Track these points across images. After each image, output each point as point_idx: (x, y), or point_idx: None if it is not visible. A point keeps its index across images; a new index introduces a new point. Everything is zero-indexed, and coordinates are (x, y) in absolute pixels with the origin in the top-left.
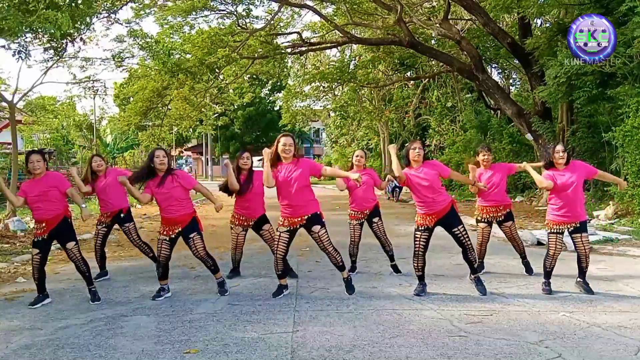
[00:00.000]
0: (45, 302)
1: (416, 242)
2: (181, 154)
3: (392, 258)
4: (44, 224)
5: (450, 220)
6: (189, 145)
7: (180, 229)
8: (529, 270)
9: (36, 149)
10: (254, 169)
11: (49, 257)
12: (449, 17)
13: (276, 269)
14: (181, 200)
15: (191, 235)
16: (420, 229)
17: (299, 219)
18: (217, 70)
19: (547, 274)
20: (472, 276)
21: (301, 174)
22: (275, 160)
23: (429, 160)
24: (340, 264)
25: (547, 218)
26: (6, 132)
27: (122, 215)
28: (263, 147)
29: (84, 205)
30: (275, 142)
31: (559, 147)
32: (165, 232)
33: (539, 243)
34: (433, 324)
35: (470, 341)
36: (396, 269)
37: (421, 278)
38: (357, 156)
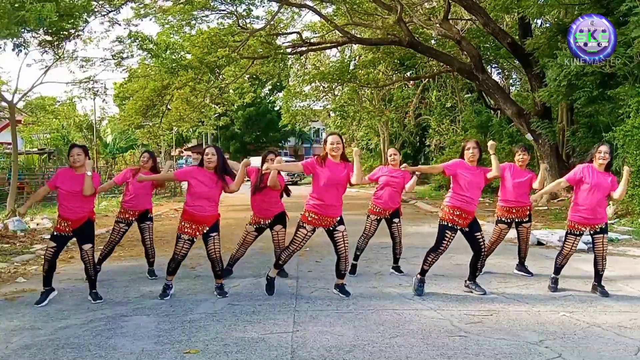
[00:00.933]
0: (51, 296)
1: (444, 241)
2: (181, 154)
3: (396, 260)
4: (69, 223)
5: (474, 224)
6: (189, 145)
7: (205, 229)
8: (528, 273)
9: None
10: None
11: None
12: (449, 17)
13: (282, 260)
14: (217, 202)
15: (212, 235)
16: (453, 227)
17: (331, 220)
18: (217, 70)
19: (557, 270)
20: (468, 282)
21: (346, 176)
22: (323, 158)
23: (480, 167)
24: (345, 272)
25: (570, 218)
26: (6, 132)
27: (149, 215)
28: (263, 147)
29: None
30: (323, 141)
31: (604, 147)
32: (189, 232)
33: (539, 243)
34: (433, 324)
35: (470, 341)
36: (398, 270)
37: (424, 273)
38: (390, 155)
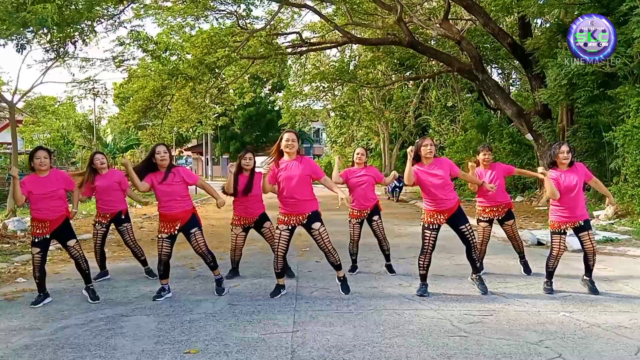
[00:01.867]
0: (46, 302)
1: (425, 241)
2: (181, 154)
3: (387, 258)
4: (47, 223)
5: (457, 219)
6: (189, 145)
7: (180, 226)
8: (527, 270)
9: (42, 145)
10: (256, 170)
11: (49, 257)
12: (449, 17)
13: (275, 267)
14: (182, 197)
15: (192, 231)
16: (429, 227)
17: (299, 217)
18: (217, 70)
19: (549, 274)
20: (474, 275)
21: (303, 171)
22: (279, 156)
23: (439, 158)
24: (338, 263)
25: (550, 219)
26: (6, 132)
27: (122, 216)
28: (263, 147)
29: (75, 210)
30: (279, 138)
31: (564, 147)
32: (165, 230)
33: (539, 243)
34: (433, 324)
35: (470, 341)
36: (390, 269)
37: (424, 277)
38: (357, 154)
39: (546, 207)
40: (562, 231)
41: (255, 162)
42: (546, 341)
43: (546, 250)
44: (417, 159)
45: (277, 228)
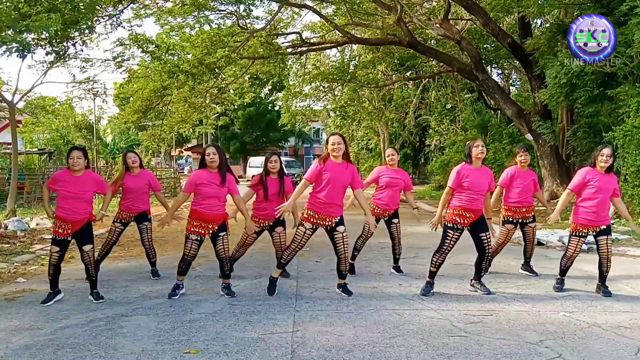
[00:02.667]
0: (57, 299)
1: (447, 241)
2: (181, 154)
3: (396, 261)
4: (70, 225)
5: (480, 224)
6: (189, 145)
7: (214, 228)
8: (533, 272)
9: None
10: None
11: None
12: (449, 17)
13: (285, 259)
14: (225, 200)
15: (221, 234)
16: (454, 227)
17: (329, 219)
18: (217, 70)
19: (562, 272)
20: (474, 282)
21: (347, 177)
22: (324, 158)
23: (486, 166)
24: (345, 272)
25: (573, 220)
26: (6, 132)
27: (148, 215)
28: (263, 147)
29: (104, 212)
30: (325, 141)
31: (606, 151)
32: (198, 231)
33: (539, 243)
34: (433, 324)
35: (470, 341)
36: (398, 270)
37: (433, 275)
38: (389, 155)
39: (545, 207)
40: (583, 234)
41: (282, 163)
42: (546, 341)
43: (546, 250)
44: (470, 160)
45: (301, 224)
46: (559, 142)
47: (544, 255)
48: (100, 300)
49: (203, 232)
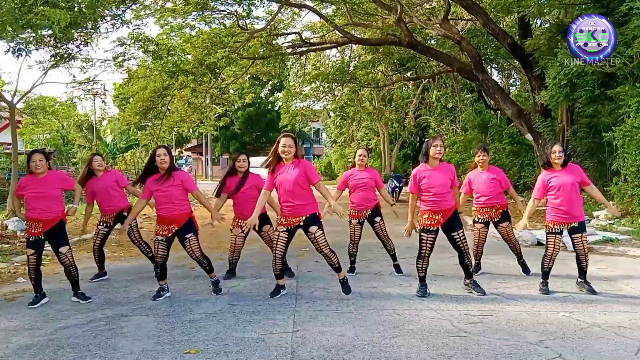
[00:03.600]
0: (43, 302)
1: (422, 244)
2: (181, 154)
3: (394, 257)
4: (40, 224)
5: (452, 223)
6: (189, 145)
7: (176, 229)
8: (526, 270)
9: (38, 148)
10: (251, 170)
11: (49, 258)
12: (449, 17)
13: (274, 269)
14: (179, 200)
15: (187, 236)
16: (426, 230)
17: (297, 219)
18: (217, 71)
19: (545, 274)
20: (467, 280)
21: (299, 174)
22: (276, 160)
23: (445, 163)
24: (337, 265)
25: (546, 219)
26: (6, 132)
27: (124, 214)
28: (263, 147)
29: (76, 206)
30: (276, 142)
31: (556, 147)
32: (161, 233)
33: (539, 243)
34: (433, 324)
35: (470, 341)
36: (398, 269)
37: (423, 279)
38: (359, 155)
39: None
40: (558, 231)
41: (249, 164)
42: (546, 341)
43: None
44: (426, 159)
45: (276, 230)
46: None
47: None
48: (89, 300)
49: (166, 233)
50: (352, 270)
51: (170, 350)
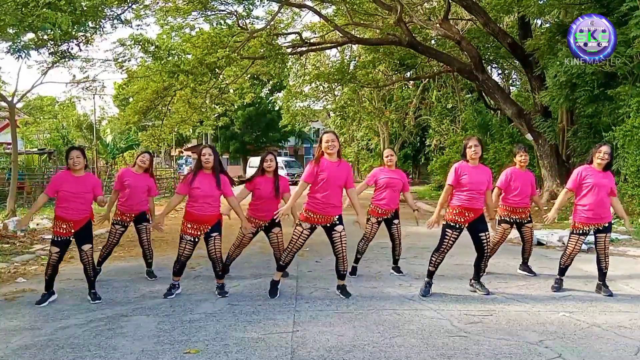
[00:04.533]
0: (52, 299)
1: (445, 239)
2: (181, 154)
3: (396, 261)
4: (71, 224)
5: (480, 224)
6: (189, 145)
7: (207, 229)
8: (531, 272)
9: (76, 145)
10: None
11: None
12: (449, 17)
13: (284, 261)
14: (216, 201)
15: (213, 235)
16: (453, 226)
17: (328, 218)
18: (217, 71)
19: (562, 271)
20: (473, 281)
21: (342, 175)
22: (320, 157)
23: (484, 165)
24: (345, 272)
25: (574, 219)
26: (6, 132)
27: (147, 216)
28: (263, 147)
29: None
30: (319, 139)
31: (605, 148)
32: (192, 232)
33: (539, 243)
34: (433, 324)
35: (470, 341)
36: (398, 270)
37: (431, 275)
38: (387, 155)
39: (546, 207)
40: (584, 232)
41: (277, 164)
42: (546, 341)
43: (546, 250)
44: (465, 159)
45: (299, 225)
46: (559, 142)
47: (544, 255)
48: (98, 301)
49: (197, 233)
50: (354, 272)
51: (170, 350)
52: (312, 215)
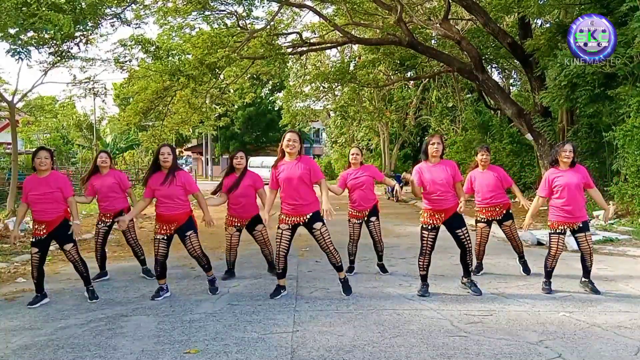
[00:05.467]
0: (43, 302)
1: (423, 241)
2: (181, 154)
3: (380, 257)
4: (44, 225)
5: (455, 221)
6: (189, 145)
7: (175, 227)
8: (526, 270)
9: (44, 145)
10: (249, 169)
11: (49, 257)
12: (449, 17)
13: (277, 267)
14: (180, 199)
15: (187, 234)
16: (427, 227)
17: (300, 217)
18: (217, 71)
19: (548, 274)
20: (464, 279)
21: (303, 172)
22: (281, 157)
23: (446, 160)
24: (339, 264)
25: (549, 219)
26: (6, 132)
27: (124, 214)
28: (263, 147)
29: (77, 222)
30: (282, 138)
31: (568, 147)
32: (161, 231)
33: (539, 243)
34: (433, 324)
35: (470, 341)
36: (383, 269)
37: (424, 278)
38: (352, 154)
39: (546, 207)
40: (561, 231)
41: (247, 162)
42: (546, 341)
43: (546, 250)
44: (425, 157)
45: (278, 227)
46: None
47: (544, 255)
48: (95, 300)
49: (165, 231)
50: (351, 270)
51: (170, 350)
52: (284, 217)
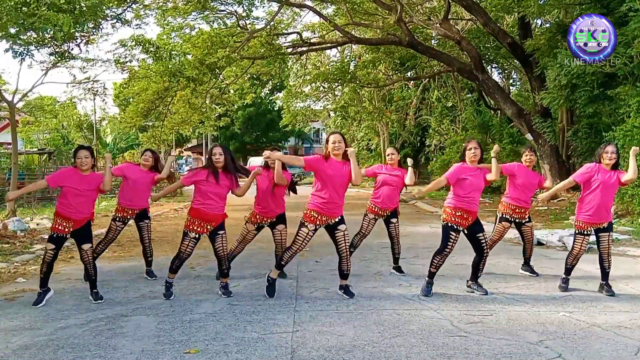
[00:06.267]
0: (48, 296)
1: (449, 242)
2: (181, 154)
3: (396, 261)
4: (70, 223)
5: (477, 225)
6: (189, 145)
7: (211, 228)
8: (533, 272)
9: (84, 144)
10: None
11: None
12: (449, 17)
13: (285, 260)
14: (223, 200)
15: (220, 232)
16: (456, 228)
17: (332, 219)
18: (217, 71)
19: (568, 270)
20: (470, 282)
21: (348, 175)
22: (326, 157)
23: (482, 167)
24: (347, 272)
25: (577, 218)
26: (6, 132)
27: (148, 213)
28: (263, 147)
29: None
30: (325, 140)
31: (611, 148)
32: (196, 229)
33: (539, 243)
34: (433, 324)
35: (470, 341)
36: (399, 270)
37: (433, 276)
38: (389, 154)
39: (546, 207)
40: (587, 233)
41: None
42: (546, 341)
43: (546, 250)
44: (461, 159)
45: (304, 225)
46: (559, 142)
47: (544, 255)
48: (100, 301)
49: (201, 230)
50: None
51: (170, 350)
52: (316, 215)
